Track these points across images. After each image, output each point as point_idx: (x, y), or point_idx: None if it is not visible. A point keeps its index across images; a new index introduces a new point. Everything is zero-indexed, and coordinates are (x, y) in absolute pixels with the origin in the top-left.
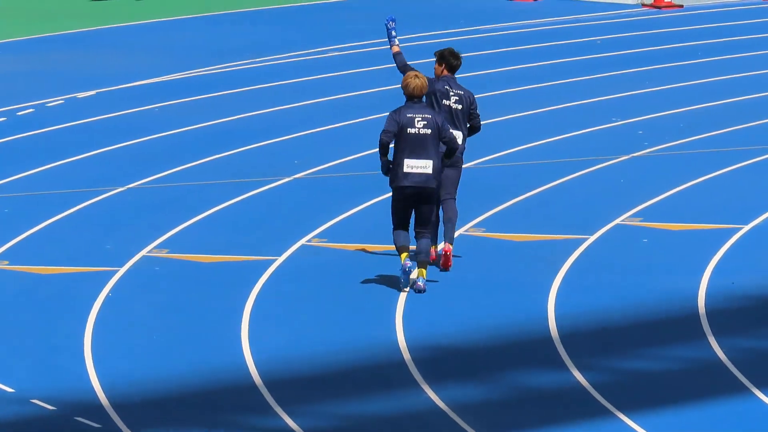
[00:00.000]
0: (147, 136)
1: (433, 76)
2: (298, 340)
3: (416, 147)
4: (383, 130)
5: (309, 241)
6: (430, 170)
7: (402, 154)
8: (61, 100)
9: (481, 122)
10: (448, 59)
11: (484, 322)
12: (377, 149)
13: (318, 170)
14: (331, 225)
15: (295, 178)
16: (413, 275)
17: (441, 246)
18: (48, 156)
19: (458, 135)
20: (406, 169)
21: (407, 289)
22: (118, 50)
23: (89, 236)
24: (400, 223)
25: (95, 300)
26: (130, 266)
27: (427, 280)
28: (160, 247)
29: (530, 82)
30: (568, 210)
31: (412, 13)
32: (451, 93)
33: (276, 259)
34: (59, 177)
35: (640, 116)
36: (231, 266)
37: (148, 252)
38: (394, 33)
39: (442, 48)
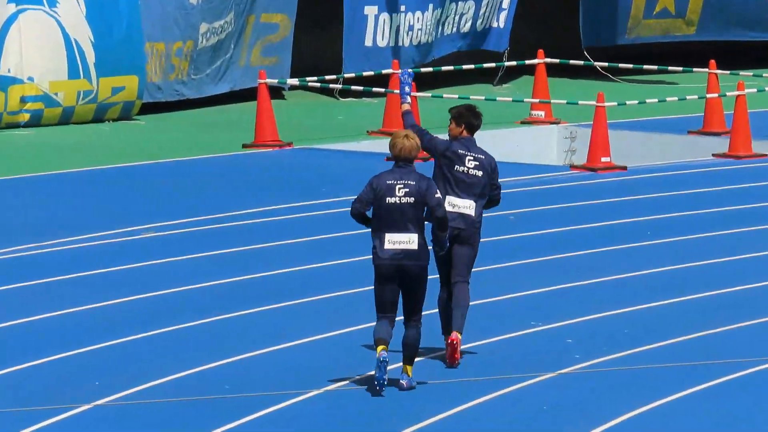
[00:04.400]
0: None
1: (448, 138)
2: None
3: (396, 219)
4: (355, 198)
5: None
6: (415, 246)
7: (382, 228)
8: None
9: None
10: (469, 118)
11: None
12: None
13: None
14: None
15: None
16: (403, 376)
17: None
18: None
19: (470, 205)
20: (386, 246)
21: (382, 389)
22: None
23: None
24: (381, 309)
25: None
26: None
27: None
28: None
29: None
30: None
31: (329, 174)
32: (469, 157)
33: None
34: None
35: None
36: None
37: None
38: (407, 89)
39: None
